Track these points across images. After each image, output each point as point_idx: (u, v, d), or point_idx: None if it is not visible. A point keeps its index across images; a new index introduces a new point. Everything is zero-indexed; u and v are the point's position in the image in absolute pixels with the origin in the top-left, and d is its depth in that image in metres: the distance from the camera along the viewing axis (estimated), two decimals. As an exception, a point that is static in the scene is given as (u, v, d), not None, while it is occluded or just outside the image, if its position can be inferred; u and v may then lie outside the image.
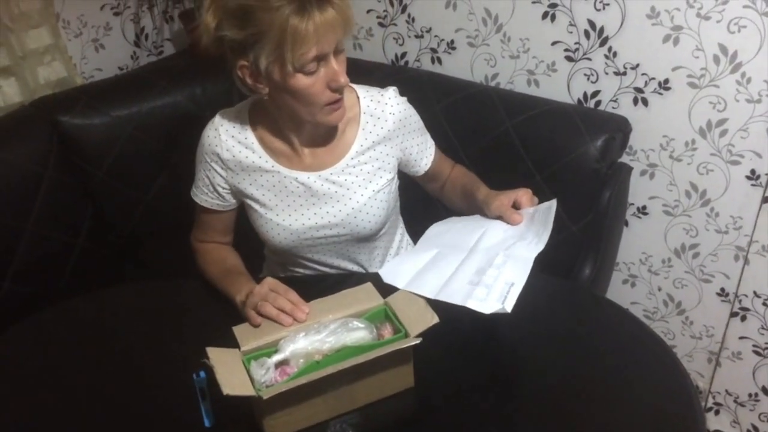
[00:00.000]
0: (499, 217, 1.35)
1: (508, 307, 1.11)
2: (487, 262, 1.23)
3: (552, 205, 1.31)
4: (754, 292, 1.81)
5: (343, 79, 1.26)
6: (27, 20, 1.98)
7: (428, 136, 1.53)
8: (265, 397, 1.01)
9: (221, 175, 1.43)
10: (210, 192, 1.45)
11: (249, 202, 1.44)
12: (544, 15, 1.79)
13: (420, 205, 1.65)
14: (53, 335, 1.37)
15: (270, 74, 1.24)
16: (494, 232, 1.33)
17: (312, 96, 1.26)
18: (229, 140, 1.40)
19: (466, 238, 1.34)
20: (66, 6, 2.11)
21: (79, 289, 1.51)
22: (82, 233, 1.96)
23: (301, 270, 1.53)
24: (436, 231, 1.44)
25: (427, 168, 1.52)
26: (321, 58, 1.23)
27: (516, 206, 1.35)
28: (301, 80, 1.23)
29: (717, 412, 2.06)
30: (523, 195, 1.36)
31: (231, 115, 1.42)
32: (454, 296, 1.17)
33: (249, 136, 1.40)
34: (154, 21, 2.35)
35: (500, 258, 1.22)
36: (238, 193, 1.45)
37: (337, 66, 1.25)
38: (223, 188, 1.44)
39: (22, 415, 1.18)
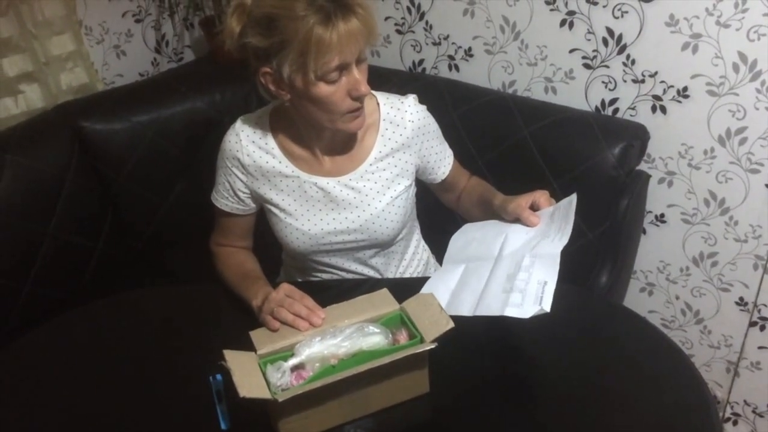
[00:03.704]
0: (517, 220, 1.34)
1: (546, 307, 1.08)
2: (515, 267, 1.21)
3: (572, 200, 1.28)
4: (774, 302, 1.80)
5: (364, 88, 1.27)
6: (50, 27, 2.01)
7: (446, 145, 1.53)
8: (280, 400, 1.02)
9: (242, 180, 1.44)
10: (230, 196, 1.47)
11: (269, 206, 1.45)
12: (562, 23, 1.79)
13: (436, 211, 1.66)
14: (72, 338, 1.38)
15: (292, 81, 1.26)
16: (516, 235, 1.31)
17: (333, 104, 1.27)
18: (250, 145, 1.41)
19: (489, 246, 1.33)
20: (88, 13, 2.14)
21: (98, 293, 1.53)
22: (102, 238, 1.98)
23: (318, 274, 1.54)
24: (459, 245, 1.42)
25: (444, 176, 1.53)
26: (343, 67, 1.24)
27: (534, 208, 1.34)
28: (322, 88, 1.24)
29: (735, 423, 2.04)
30: (541, 196, 1.34)
31: (252, 121, 1.43)
32: (492, 308, 1.14)
33: (269, 141, 1.41)
34: (174, 28, 2.38)
35: (527, 260, 1.21)
36: (258, 198, 1.46)
37: (358, 75, 1.26)
38: (244, 193, 1.45)
39: (41, 418, 1.19)
